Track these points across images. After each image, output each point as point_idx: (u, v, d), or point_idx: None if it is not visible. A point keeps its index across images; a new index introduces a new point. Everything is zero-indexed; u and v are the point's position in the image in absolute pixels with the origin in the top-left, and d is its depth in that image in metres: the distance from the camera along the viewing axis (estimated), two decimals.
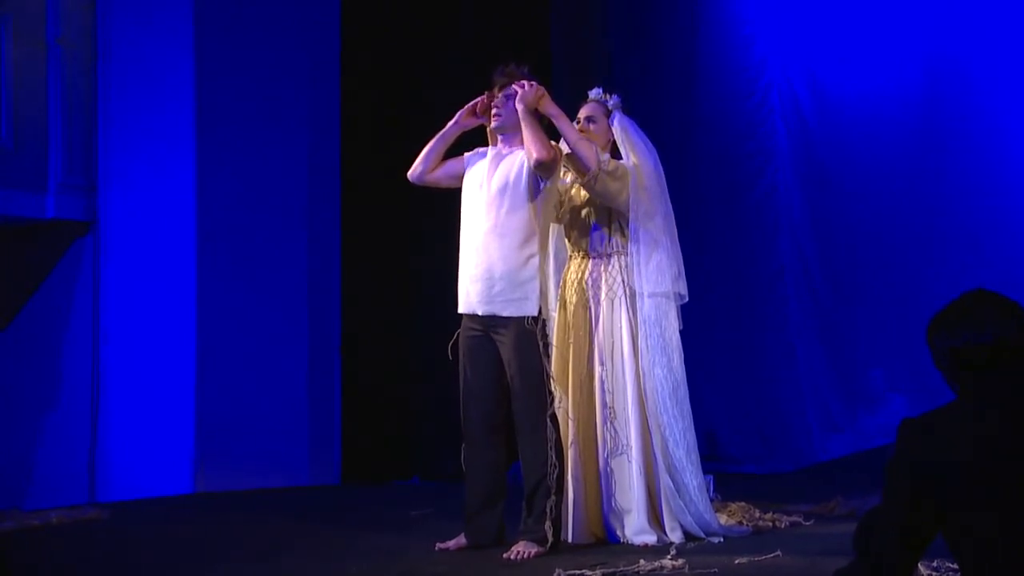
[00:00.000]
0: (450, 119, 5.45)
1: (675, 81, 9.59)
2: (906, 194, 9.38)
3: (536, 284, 5.15)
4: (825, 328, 9.46)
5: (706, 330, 8.53)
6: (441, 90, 6.93)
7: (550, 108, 5.33)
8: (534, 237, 5.18)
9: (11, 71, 8.29)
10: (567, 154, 5.41)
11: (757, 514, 5.81)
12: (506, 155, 5.30)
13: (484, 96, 5.42)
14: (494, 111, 5.33)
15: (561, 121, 5.37)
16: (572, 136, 5.38)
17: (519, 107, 5.24)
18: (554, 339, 5.42)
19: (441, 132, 5.45)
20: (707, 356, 8.66)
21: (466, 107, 5.45)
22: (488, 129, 5.45)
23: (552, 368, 5.28)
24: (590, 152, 5.38)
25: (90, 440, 8.33)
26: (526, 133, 5.19)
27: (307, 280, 8.61)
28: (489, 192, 5.23)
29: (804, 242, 9.56)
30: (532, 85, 5.30)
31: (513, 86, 5.30)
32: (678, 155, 8.49)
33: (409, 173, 5.50)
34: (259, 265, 8.40)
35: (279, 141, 8.52)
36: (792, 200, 9.55)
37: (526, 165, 5.20)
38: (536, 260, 5.17)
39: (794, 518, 5.84)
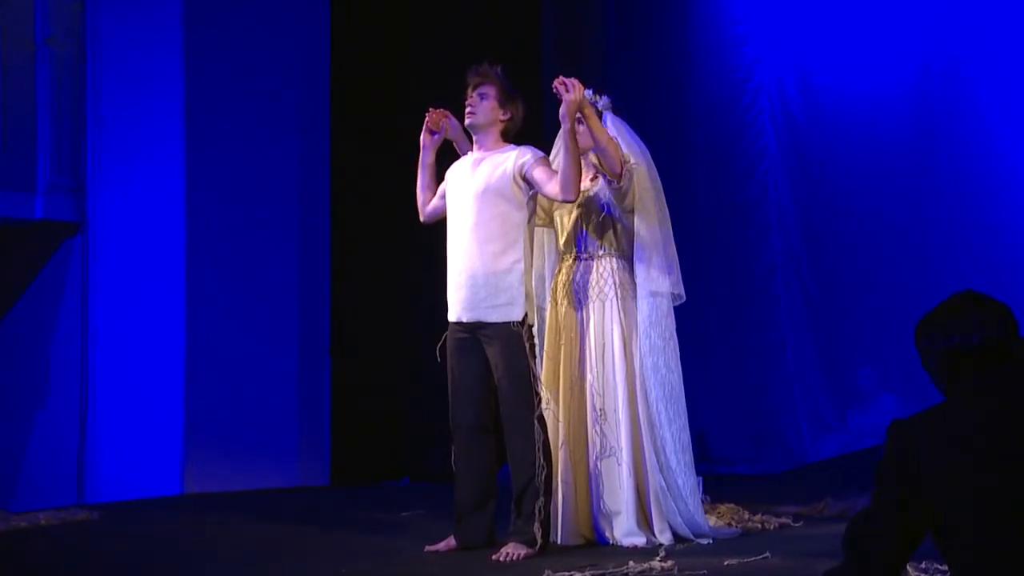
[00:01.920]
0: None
1: (666, 81, 9.58)
2: (897, 195, 9.37)
3: (521, 289, 5.11)
4: (816, 328, 9.46)
5: (697, 330, 8.51)
6: (431, 91, 6.90)
7: (584, 108, 5.26)
8: (518, 241, 5.14)
9: None
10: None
11: (746, 516, 5.79)
12: (484, 159, 5.23)
13: (430, 113, 5.38)
14: (468, 109, 5.23)
15: (592, 121, 5.30)
16: (603, 137, 5.31)
17: (566, 124, 5.06)
18: (545, 341, 5.42)
19: (420, 163, 5.43)
20: (698, 357, 8.64)
21: (422, 130, 5.40)
22: (454, 141, 5.42)
23: (542, 370, 5.27)
24: (617, 154, 5.35)
25: (79, 441, 8.30)
26: (566, 167, 5.01)
27: (297, 281, 8.59)
28: (470, 198, 5.17)
29: (795, 242, 9.56)
30: (574, 84, 5.11)
31: (555, 85, 5.11)
32: (669, 155, 8.47)
33: (420, 218, 5.48)
34: (249, 266, 8.38)
35: (269, 141, 8.50)
36: (783, 200, 9.55)
37: (510, 170, 5.14)
38: (521, 265, 5.13)
39: (783, 519, 5.83)
